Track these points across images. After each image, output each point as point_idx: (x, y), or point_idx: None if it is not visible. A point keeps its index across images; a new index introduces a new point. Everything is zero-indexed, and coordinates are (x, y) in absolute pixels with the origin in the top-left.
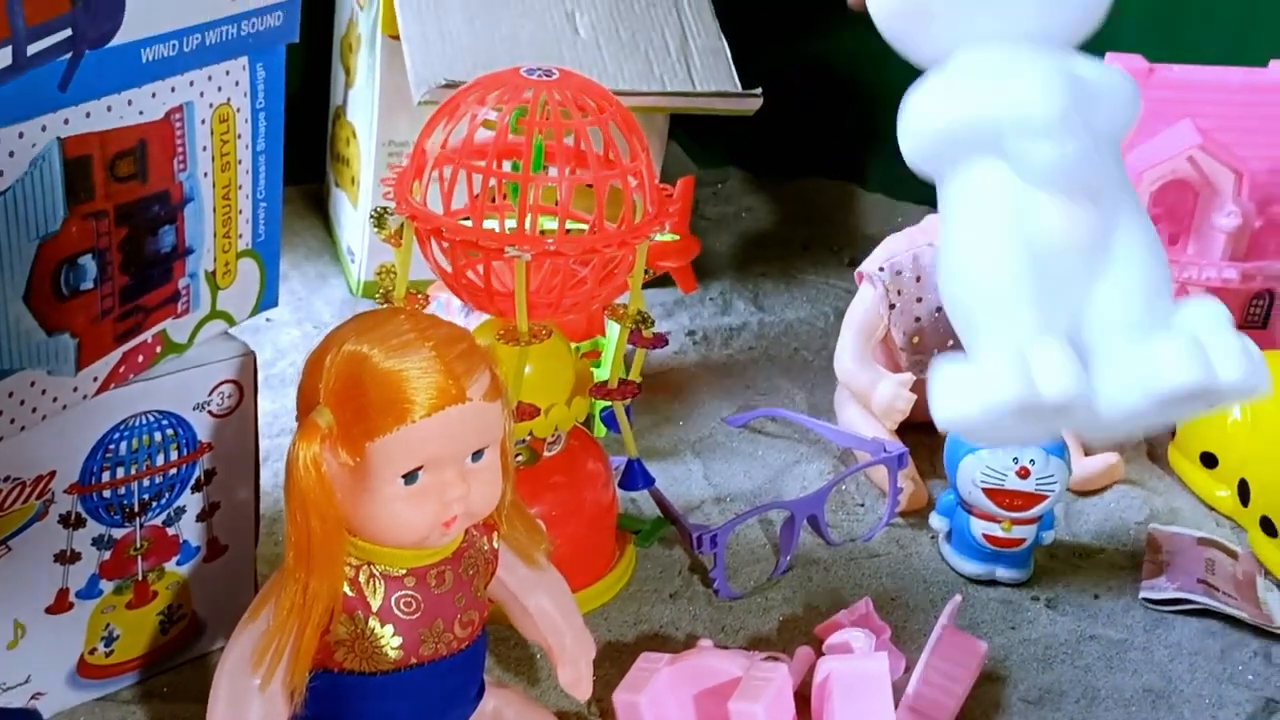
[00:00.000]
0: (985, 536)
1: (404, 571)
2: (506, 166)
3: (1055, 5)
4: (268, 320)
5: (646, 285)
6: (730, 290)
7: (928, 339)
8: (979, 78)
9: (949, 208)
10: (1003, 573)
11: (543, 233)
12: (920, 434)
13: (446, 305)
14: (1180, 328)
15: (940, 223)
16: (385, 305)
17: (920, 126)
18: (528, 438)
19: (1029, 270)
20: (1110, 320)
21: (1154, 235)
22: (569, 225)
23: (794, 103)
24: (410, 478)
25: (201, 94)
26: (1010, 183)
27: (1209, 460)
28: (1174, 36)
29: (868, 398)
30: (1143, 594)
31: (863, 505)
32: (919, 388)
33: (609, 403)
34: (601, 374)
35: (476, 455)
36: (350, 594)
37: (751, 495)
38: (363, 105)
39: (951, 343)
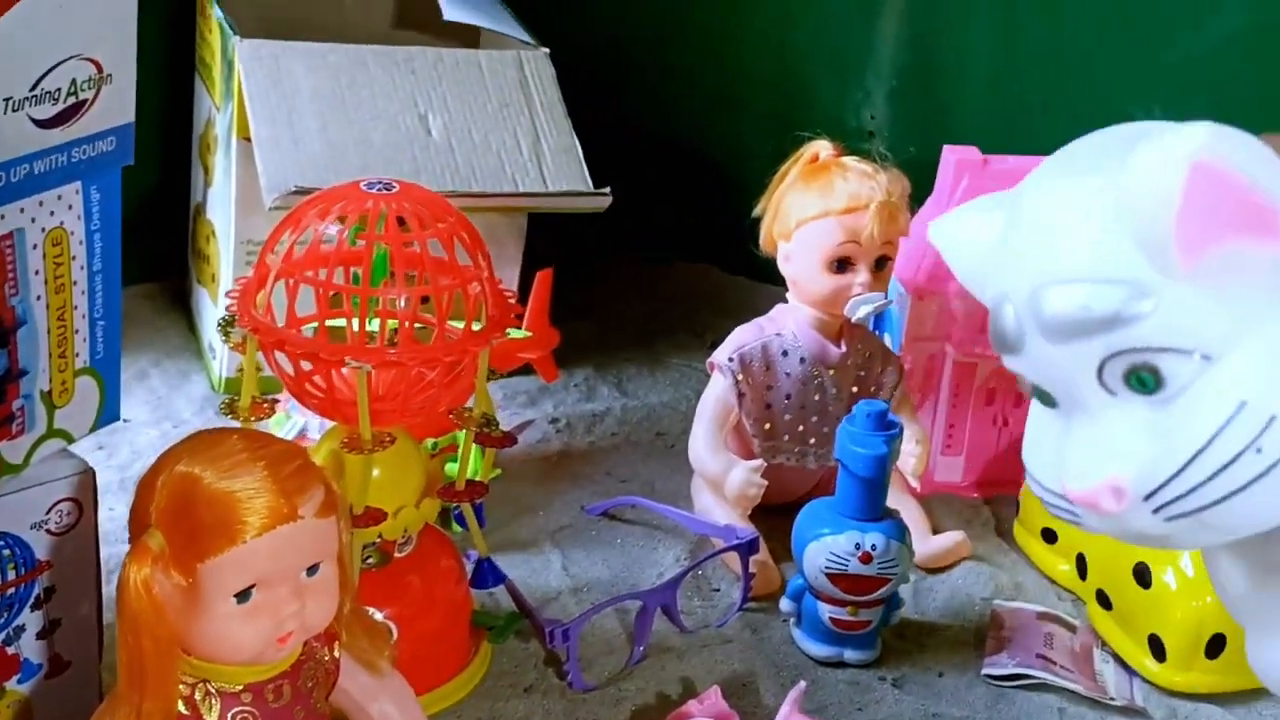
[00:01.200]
0: (833, 620)
1: (240, 688)
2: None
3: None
4: (126, 420)
5: (510, 374)
6: (595, 376)
7: (779, 426)
8: None
9: None
10: (850, 654)
11: (392, 336)
12: (774, 518)
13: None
14: None
15: None
16: (229, 413)
17: None
18: (378, 540)
19: None
20: None
21: None
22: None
23: (657, 189)
24: (243, 596)
25: (33, 219)
26: None
27: (1049, 536)
28: (1010, 128)
29: (721, 484)
30: (984, 670)
31: (718, 590)
32: (770, 473)
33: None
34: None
35: (312, 570)
36: (185, 713)
37: (609, 584)
38: (221, 204)
39: (802, 428)
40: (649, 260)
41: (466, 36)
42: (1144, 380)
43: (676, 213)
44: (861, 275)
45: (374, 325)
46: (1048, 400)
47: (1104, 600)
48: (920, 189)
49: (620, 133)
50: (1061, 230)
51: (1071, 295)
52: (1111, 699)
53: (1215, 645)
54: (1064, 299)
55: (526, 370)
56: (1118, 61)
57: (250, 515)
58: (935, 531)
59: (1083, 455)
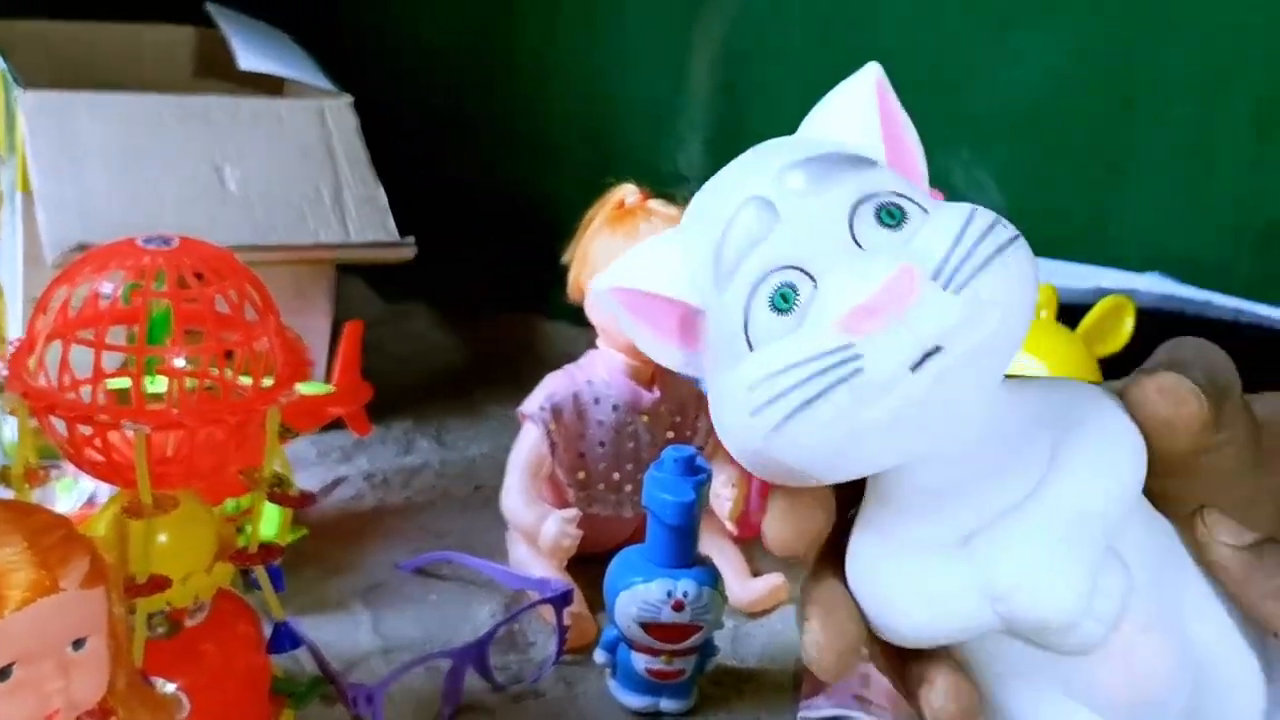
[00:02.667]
0: (648, 670)
1: None
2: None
3: (985, 392)
4: None
5: (323, 429)
6: (413, 429)
7: (593, 474)
8: (955, 558)
9: (981, 681)
10: (666, 704)
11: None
12: (592, 568)
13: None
14: None
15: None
16: (2, 482)
17: (906, 632)
18: (166, 608)
19: None
20: None
21: (1226, 607)
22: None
23: (477, 238)
24: (3, 674)
25: None
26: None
27: None
28: None
29: (535, 536)
30: (800, 714)
31: (534, 644)
32: (586, 523)
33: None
34: (266, 536)
35: (78, 644)
36: None
37: (422, 643)
38: (6, 261)
39: (617, 476)
40: (471, 310)
41: (270, 86)
42: (893, 214)
43: (497, 261)
44: None
45: (161, 386)
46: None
47: None
48: None
49: (440, 183)
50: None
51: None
52: None
53: None
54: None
55: (339, 425)
56: (924, 109)
57: (9, 588)
58: (755, 574)
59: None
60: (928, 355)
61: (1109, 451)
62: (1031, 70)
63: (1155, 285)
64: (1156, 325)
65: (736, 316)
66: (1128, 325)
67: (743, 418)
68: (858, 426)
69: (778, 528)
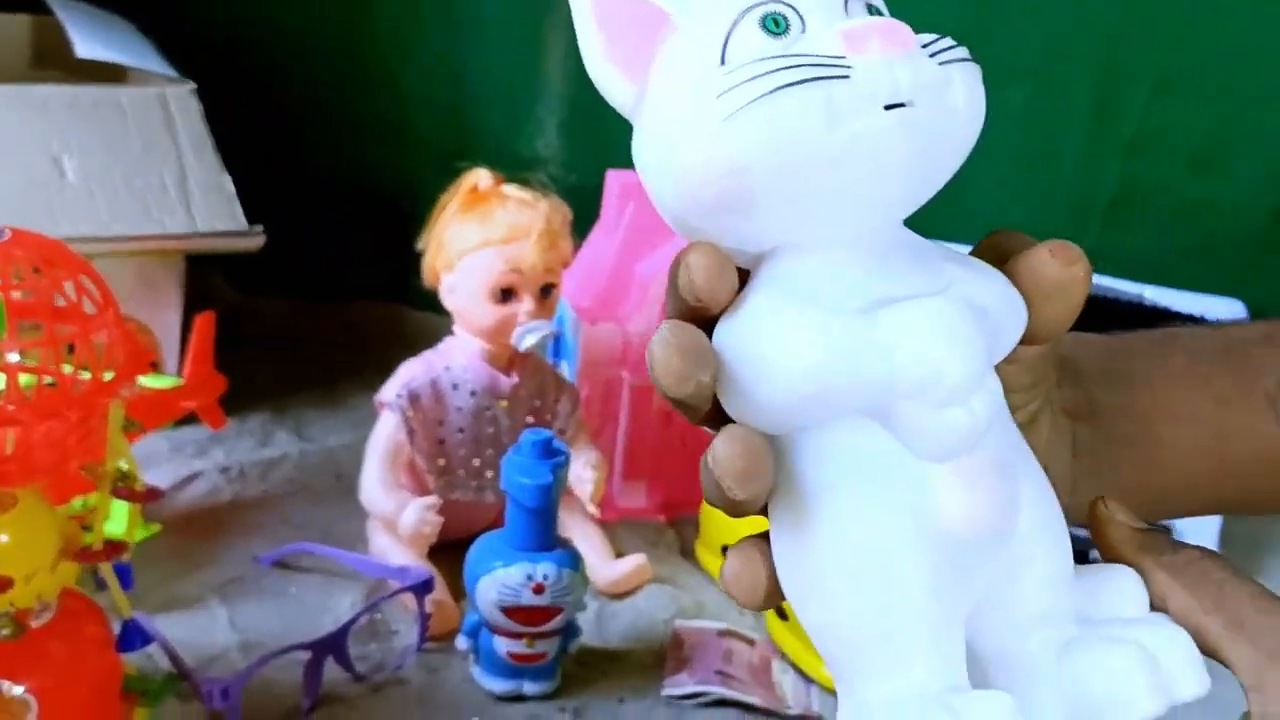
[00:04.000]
0: (510, 653)
1: None
2: None
3: (919, 189)
4: None
5: (177, 424)
6: (271, 421)
7: (453, 461)
8: (855, 317)
9: (805, 490)
10: (529, 687)
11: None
12: (454, 554)
13: None
14: (1115, 632)
15: (785, 505)
16: None
17: (786, 378)
18: (10, 609)
19: (934, 586)
20: (1018, 619)
21: (1054, 501)
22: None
23: (335, 226)
24: None
25: None
26: (900, 460)
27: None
28: None
29: (395, 524)
30: (665, 691)
31: (396, 632)
32: (447, 509)
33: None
34: (113, 533)
35: None
36: None
37: (281, 636)
38: None
39: (477, 462)
40: (330, 298)
41: (111, 75)
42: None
43: (354, 249)
44: (526, 304)
45: None
46: None
47: (781, 612)
48: (588, 215)
49: (292, 171)
50: None
51: None
52: (789, 708)
53: None
54: None
55: (194, 419)
56: None
57: None
58: (617, 556)
59: None
60: (899, 106)
61: (1008, 294)
62: None
63: None
64: None
65: (719, 30)
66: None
67: (700, 109)
68: (820, 133)
69: (703, 262)
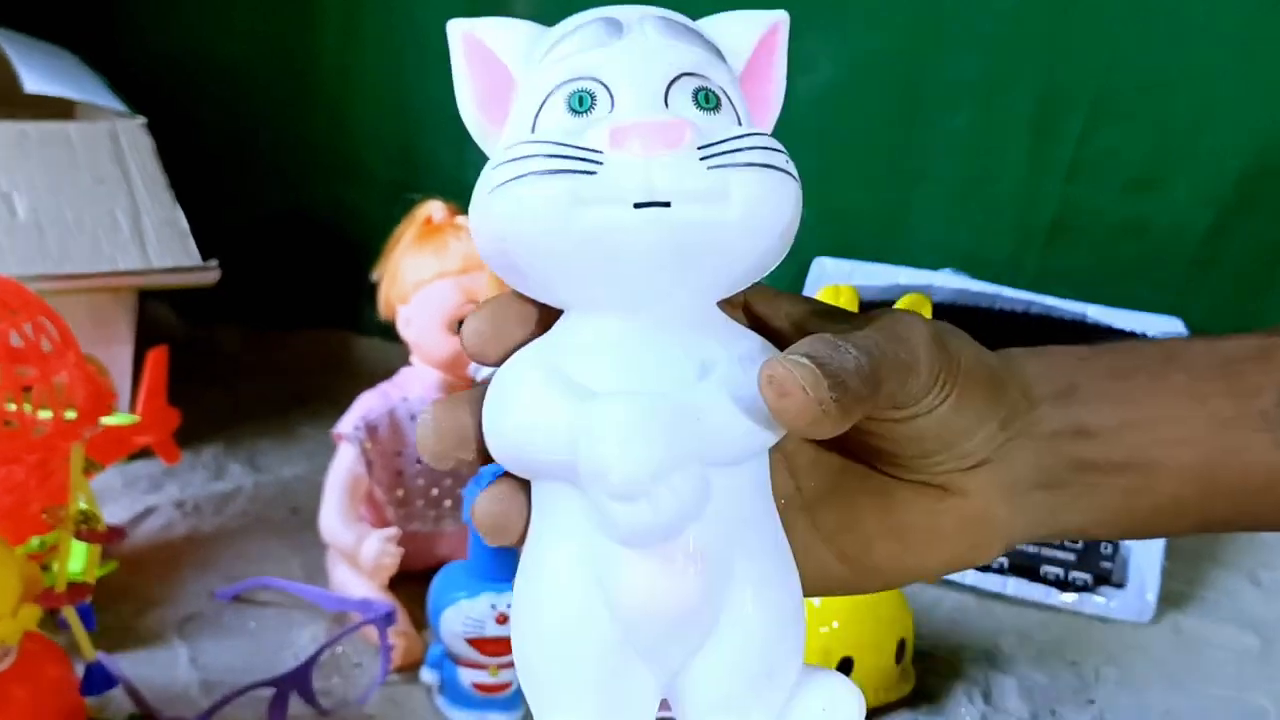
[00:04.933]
0: (475, 685)
1: None
2: None
3: (685, 282)
4: None
5: (129, 459)
6: (224, 454)
7: (412, 492)
8: (574, 397)
9: (532, 534)
10: (494, 717)
11: None
12: (412, 585)
13: None
14: None
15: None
16: None
17: (499, 439)
18: None
19: (602, 654)
20: (708, 700)
21: (784, 596)
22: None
23: (283, 258)
24: None
25: None
26: (595, 531)
27: None
28: None
29: (355, 557)
30: None
31: (359, 665)
32: (406, 540)
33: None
34: (72, 573)
35: None
36: None
37: (243, 672)
38: None
39: (435, 492)
40: (279, 329)
41: (59, 109)
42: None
43: (303, 280)
44: None
45: None
46: None
47: None
48: None
49: (240, 203)
50: None
51: None
52: None
53: (843, 668)
54: None
55: (147, 453)
56: None
57: None
58: None
59: None
60: (654, 204)
61: (749, 406)
62: (821, 77)
63: (949, 281)
64: (953, 318)
65: (536, 98)
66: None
67: (486, 175)
68: (561, 219)
69: (476, 324)
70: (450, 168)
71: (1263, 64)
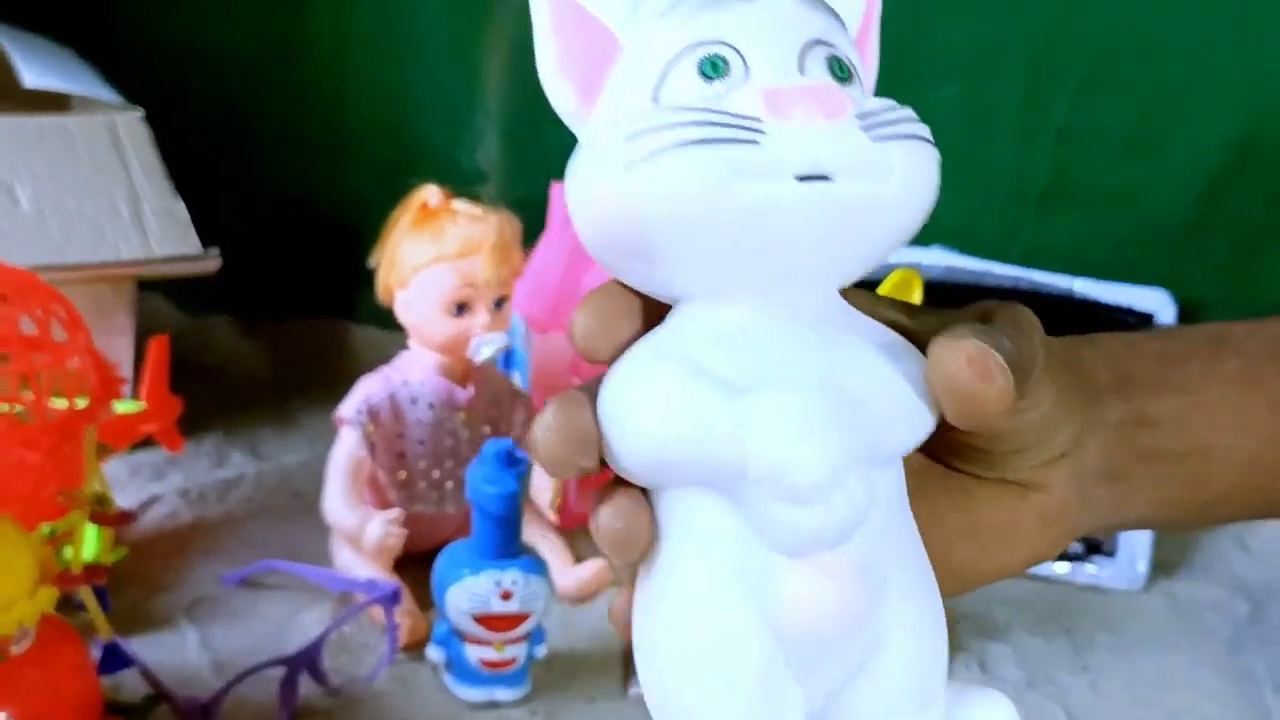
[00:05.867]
0: (481, 661)
1: None
2: None
3: (838, 263)
4: None
5: (132, 448)
6: (225, 442)
7: (414, 474)
8: (721, 392)
9: (663, 552)
10: (502, 693)
11: None
12: (416, 566)
13: None
14: None
15: (645, 561)
16: None
17: (637, 443)
18: None
19: (764, 677)
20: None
21: (933, 601)
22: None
23: (276, 245)
24: None
25: None
26: (753, 544)
27: None
28: None
29: (359, 539)
30: (632, 691)
31: (366, 645)
32: (410, 522)
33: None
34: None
35: None
36: None
37: (252, 654)
38: None
39: (437, 474)
40: (276, 317)
41: (56, 102)
42: None
43: (299, 268)
44: (481, 317)
45: None
46: None
47: None
48: (534, 226)
49: (235, 191)
50: None
51: None
52: None
53: None
54: None
55: (150, 442)
56: None
57: None
58: (577, 561)
59: None
60: (816, 178)
61: (904, 399)
62: None
63: (939, 258)
64: (942, 295)
65: (657, 64)
66: (917, 296)
67: (612, 148)
68: (720, 194)
69: (585, 320)
70: (444, 151)
71: (1255, 30)
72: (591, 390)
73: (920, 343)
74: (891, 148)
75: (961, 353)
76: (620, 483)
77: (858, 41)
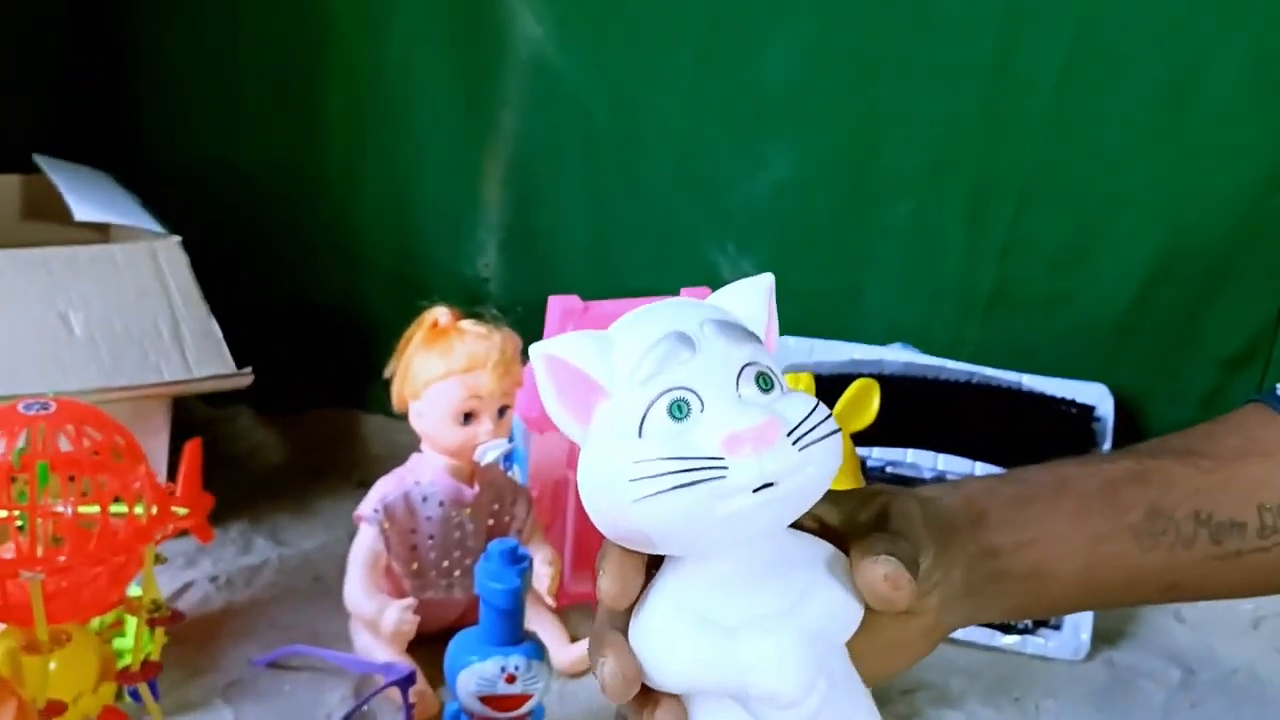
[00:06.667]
0: None
1: None
2: None
3: (780, 526)
4: None
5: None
6: (249, 530)
7: (425, 564)
8: (718, 633)
9: None
10: None
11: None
12: (428, 648)
13: None
14: None
15: None
16: None
17: (668, 678)
18: None
19: None
20: None
21: None
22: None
23: (289, 345)
24: None
25: None
26: None
27: None
28: (603, 276)
29: (377, 625)
30: None
31: None
32: (421, 607)
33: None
34: (127, 648)
35: None
36: None
37: None
38: None
39: (446, 564)
40: (291, 409)
41: (95, 224)
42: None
43: (313, 365)
44: (486, 425)
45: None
46: None
47: None
48: (532, 333)
49: (255, 298)
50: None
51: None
52: None
53: None
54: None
55: (181, 533)
56: (689, 208)
57: None
58: (573, 640)
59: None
60: (766, 486)
61: (844, 607)
62: (779, 173)
63: (899, 355)
64: (902, 389)
65: (638, 410)
66: (874, 404)
67: (618, 484)
68: (702, 516)
69: (610, 583)
70: (446, 262)
71: (1171, 155)
72: (620, 625)
73: (841, 535)
74: (810, 452)
75: (880, 572)
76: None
77: (767, 334)
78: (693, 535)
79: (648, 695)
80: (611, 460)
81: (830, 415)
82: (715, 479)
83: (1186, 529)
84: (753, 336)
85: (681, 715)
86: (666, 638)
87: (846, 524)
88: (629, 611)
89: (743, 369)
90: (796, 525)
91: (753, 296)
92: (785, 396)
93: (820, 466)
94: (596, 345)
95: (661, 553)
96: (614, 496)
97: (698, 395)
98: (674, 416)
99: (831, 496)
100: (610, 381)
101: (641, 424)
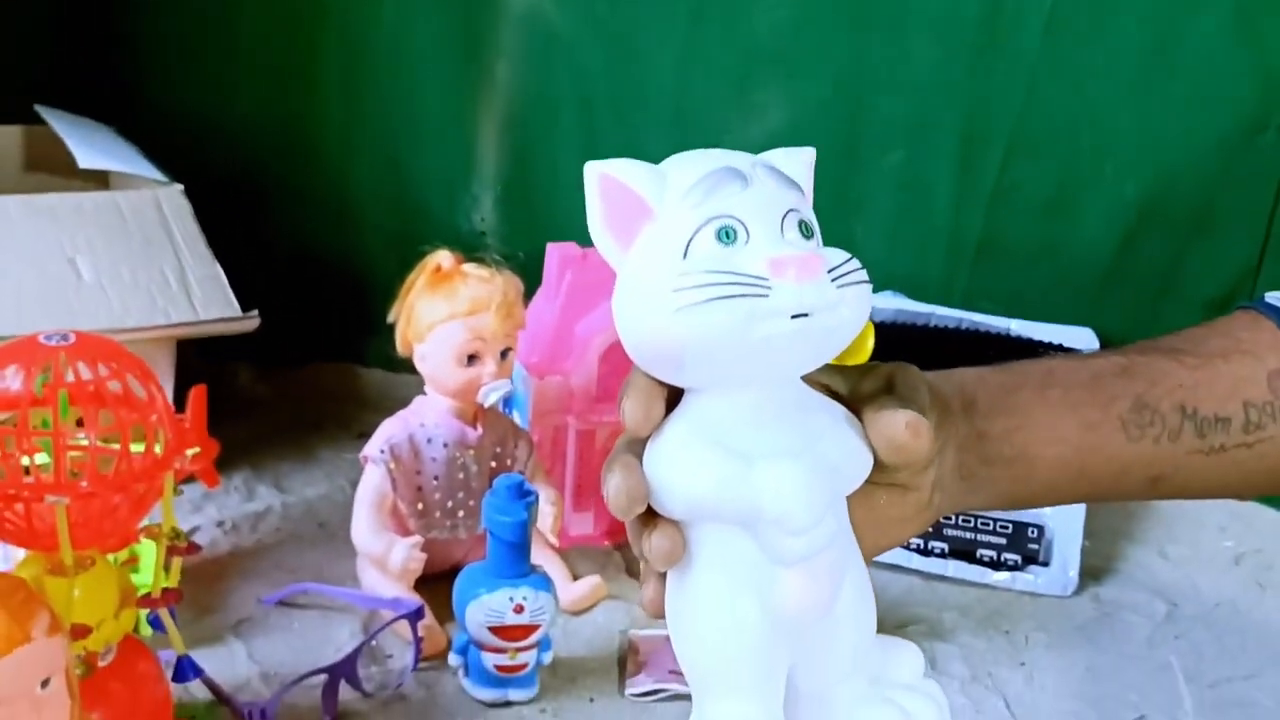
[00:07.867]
0: (496, 666)
1: None
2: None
3: (808, 366)
4: None
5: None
6: (253, 477)
7: (430, 504)
8: (736, 457)
9: (692, 562)
10: (514, 694)
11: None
12: (435, 585)
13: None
14: (889, 693)
15: (680, 568)
16: None
17: (680, 497)
18: (82, 652)
19: (765, 646)
20: (828, 672)
21: (867, 584)
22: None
23: (291, 298)
24: None
25: None
26: (755, 557)
27: None
28: None
29: (384, 562)
30: (628, 691)
31: (391, 656)
32: (427, 546)
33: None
34: (143, 583)
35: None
36: None
37: (294, 665)
38: None
39: (450, 504)
40: (290, 363)
41: (99, 176)
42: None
43: (311, 319)
44: (489, 366)
45: (41, 458)
46: None
47: None
48: (530, 281)
49: (254, 252)
50: None
51: None
52: None
53: None
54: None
55: (189, 478)
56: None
57: None
58: (575, 578)
59: None
60: (802, 315)
61: (858, 452)
62: (772, 123)
63: (890, 302)
64: (893, 335)
65: (686, 232)
66: (869, 346)
67: (661, 294)
68: (739, 335)
69: (633, 406)
70: (440, 215)
71: (1155, 105)
72: (635, 451)
73: (846, 401)
74: (846, 292)
75: (902, 420)
76: (653, 513)
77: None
78: (726, 356)
79: (649, 520)
80: (656, 275)
81: (864, 268)
82: (758, 295)
83: (1173, 421)
84: (800, 189)
85: (678, 539)
86: (683, 457)
87: (853, 393)
88: (644, 444)
89: (788, 213)
90: None
91: (798, 163)
92: (823, 248)
93: (853, 309)
94: (650, 171)
95: (688, 381)
96: (655, 308)
97: (745, 226)
98: (721, 240)
99: (837, 369)
100: (660, 205)
101: (688, 246)
